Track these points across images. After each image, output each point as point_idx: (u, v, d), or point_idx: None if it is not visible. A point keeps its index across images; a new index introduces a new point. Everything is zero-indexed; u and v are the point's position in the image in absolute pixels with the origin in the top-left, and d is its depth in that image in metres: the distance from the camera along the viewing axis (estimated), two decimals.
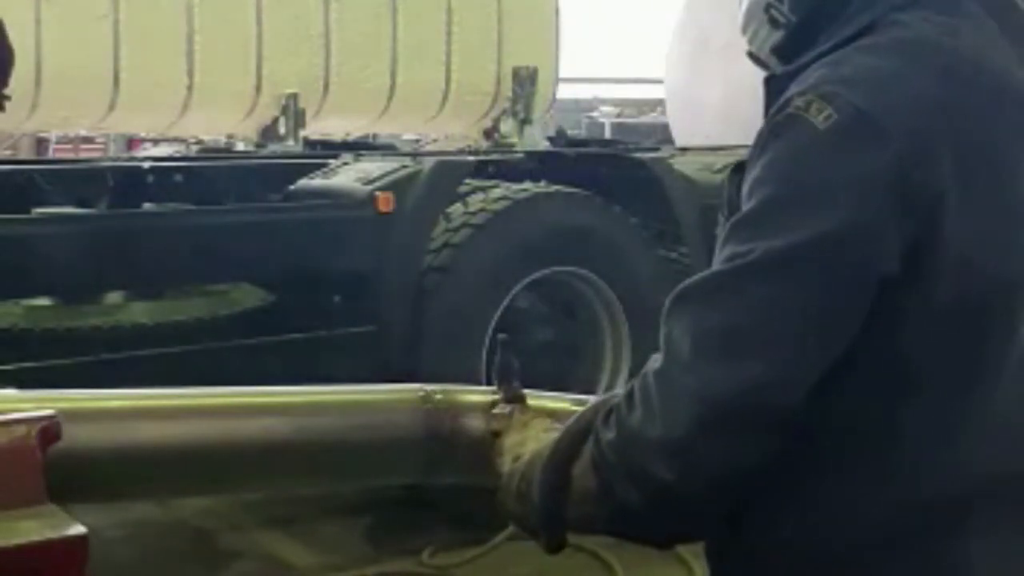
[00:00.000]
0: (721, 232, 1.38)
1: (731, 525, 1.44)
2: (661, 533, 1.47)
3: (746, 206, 1.35)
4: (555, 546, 1.55)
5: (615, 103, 16.35)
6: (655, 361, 1.37)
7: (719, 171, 5.95)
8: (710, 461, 1.32)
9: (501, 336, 1.87)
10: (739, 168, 1.42)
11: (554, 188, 5.42)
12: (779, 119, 1.35)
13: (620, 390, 1.48)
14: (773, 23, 1.54)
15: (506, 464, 1.70)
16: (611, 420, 1.41)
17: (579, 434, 1.48)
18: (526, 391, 1.86)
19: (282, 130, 6.59)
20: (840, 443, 1.37)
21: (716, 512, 1.41)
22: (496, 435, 1.79)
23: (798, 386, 1.31)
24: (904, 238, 1.30)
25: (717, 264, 1.35)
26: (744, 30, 1.59)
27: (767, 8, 1.55)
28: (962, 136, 1.33)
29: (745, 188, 1.36)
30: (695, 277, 1.37)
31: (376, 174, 5.08)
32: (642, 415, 1.35)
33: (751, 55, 1.59)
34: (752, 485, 1.37)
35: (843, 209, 1.29)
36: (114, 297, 4.85)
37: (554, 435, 1.58)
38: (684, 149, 6.81)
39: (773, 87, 1.46)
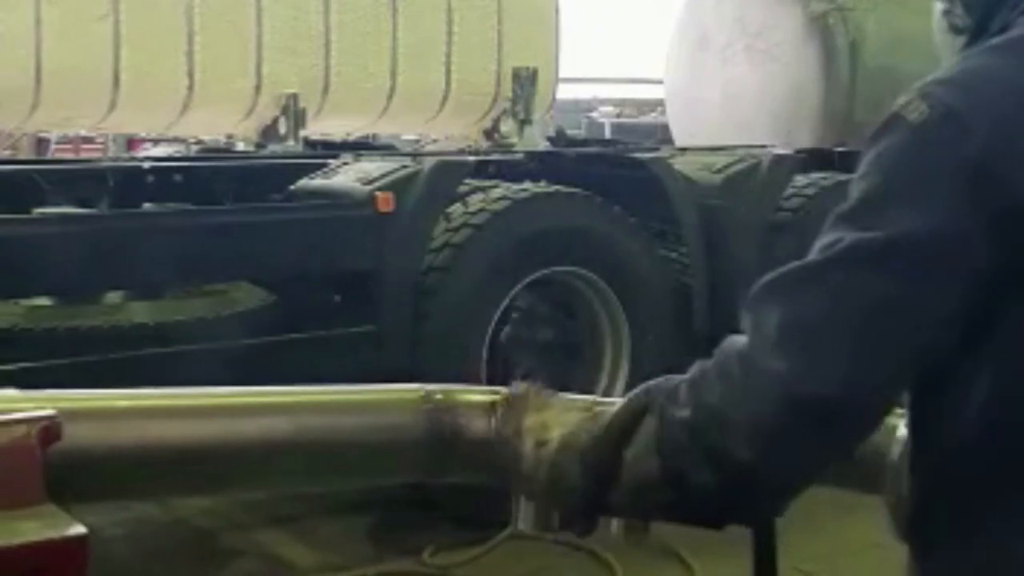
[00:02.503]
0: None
1: (925, 553, 1.44)
2: (725, 515, 1.44)
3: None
4: (590, 531, 1.54)
5: (615, 103, 16.37)
6: (733, 343, 1.36)
7: (719, 171, 5.96)
8: (793, 449, 1.32)
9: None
10: None
11: (554, 188, 5.42)
12: (885, 119, 1.37)
13: (670, 377, 1.45)
14: (955, 29, 1.55)
15: (527, 446, 1.62)
16: (681, 399, 1.39)
17: (633, 416, 1.46)
18: None
19: (282, 130, 6.59)
20: (1005, 474, 1.36)
21: (788, 497, 1.40)
22: (508, 418, 1.71)
23: (886, 384, 1.32)
24: (995, 234, 1.29)
25: (811, 255, 1.35)
26: (939, 44, 1.60)
27: (944, 14, 1.57)
28: None
29: (851, 186, 1.38)
30: (786, 266, 1.36)
31: (376, 174, 5.07)
32: (723, 394, 1.34)
33: None
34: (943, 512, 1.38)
35: (930, 205, 1.29)
36: (114, 297, 4.84)
37: (577, 416, 1.56)
38: (684, 149, 6.81)
39: None
